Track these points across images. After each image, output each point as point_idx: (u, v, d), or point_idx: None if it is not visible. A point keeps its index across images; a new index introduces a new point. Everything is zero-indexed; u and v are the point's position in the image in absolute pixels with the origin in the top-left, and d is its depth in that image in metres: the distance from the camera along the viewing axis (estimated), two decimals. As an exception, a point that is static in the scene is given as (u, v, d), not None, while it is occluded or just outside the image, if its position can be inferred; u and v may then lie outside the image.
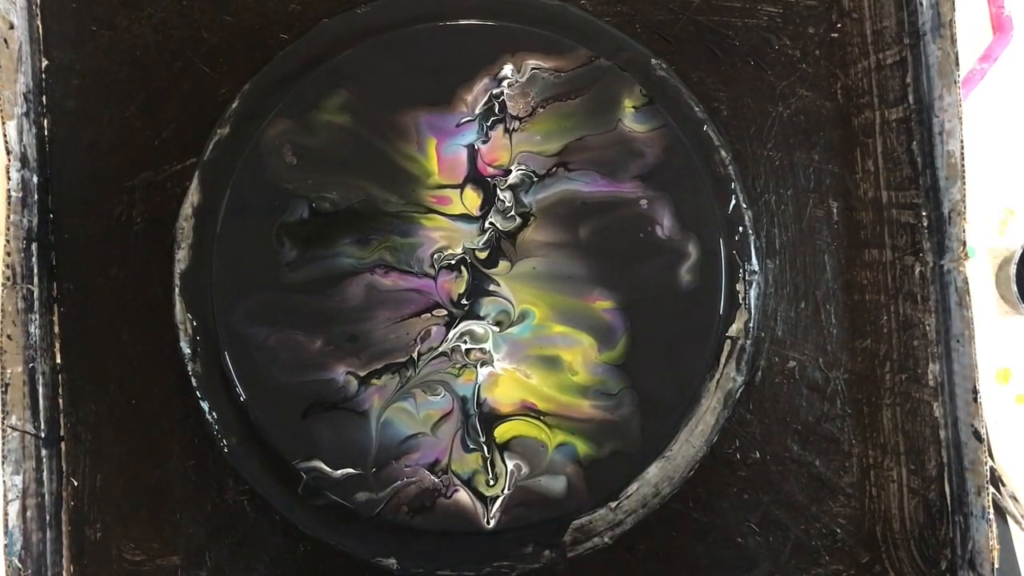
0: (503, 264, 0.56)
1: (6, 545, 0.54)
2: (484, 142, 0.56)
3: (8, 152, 0.56)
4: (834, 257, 0.60)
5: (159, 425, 0.57)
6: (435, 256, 0.56)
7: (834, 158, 0.60)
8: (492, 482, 0.55)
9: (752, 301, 0.57)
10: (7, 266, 0.55)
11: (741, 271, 0.57)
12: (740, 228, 0.58)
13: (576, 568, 0.57)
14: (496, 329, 0.56)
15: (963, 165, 0.56)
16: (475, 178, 0.57)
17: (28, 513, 0.55)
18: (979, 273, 0.63)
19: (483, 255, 0.56)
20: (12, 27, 0.58)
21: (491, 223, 0.56)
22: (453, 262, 0.56)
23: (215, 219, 0.56)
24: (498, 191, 0.56)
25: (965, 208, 0.56)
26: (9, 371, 0.55)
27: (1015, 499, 0.62)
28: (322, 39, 0.58)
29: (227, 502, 0.57)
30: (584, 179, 0.57)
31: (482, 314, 0.56)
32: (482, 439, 0.55)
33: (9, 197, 0.56)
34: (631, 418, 0.56)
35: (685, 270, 0.57)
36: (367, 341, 0.55)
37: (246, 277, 0.56)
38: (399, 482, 0.55)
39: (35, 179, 0.58)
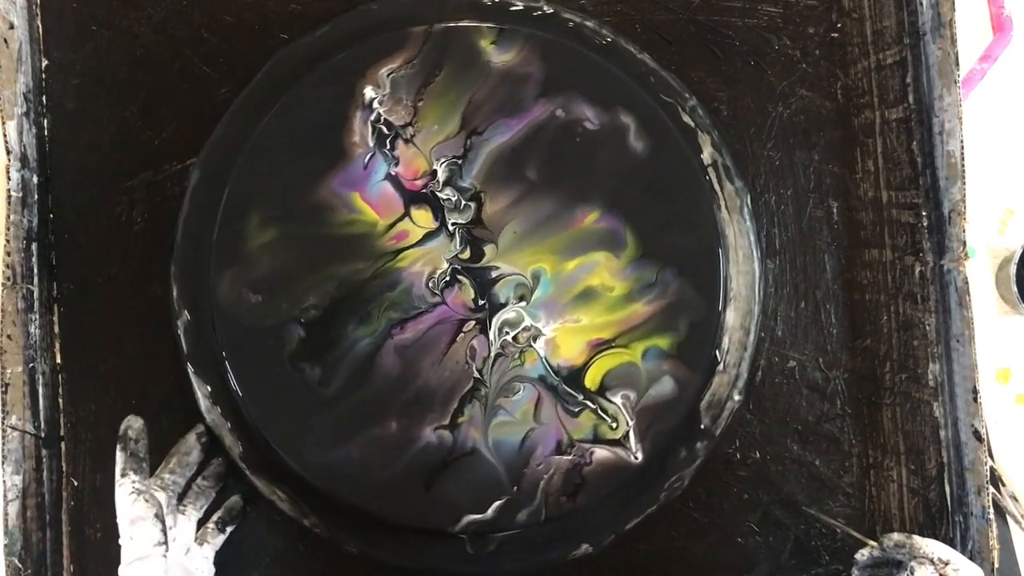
0: (488, 248, 0.56)
1: (6, 545, 0.54)
2: (396, 164, 0.56)
3: (8, 152, 0.56)
4: (834, 257, 0.60)
5: (159, 425, 0.57)
6: (430, 284, 0.55)
7: (834, 158, 0.60)
8: (614, 425, 0.55)
9: (705, 123, 0.58)
10: (7, 266, 0.55)
11: (678, 106, 0.57)
12: (650, 77, 0.58)
13: (576, 568, 0.57)
14: (523, 304, 0.56)
15: (963, 165, 0.56)
16: (412, 199, 0.56)
17: (28, 513, 0.55)
18: (979, 273, 0.63)
19: (466, 255, 0.56)
20: (12, 27, 0.58)
21: (453, 223, 0.56)
22: (448, 278, 0.56)
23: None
24: (437, 194, 0.56)
25: (965, 208, 0.56)
26: (9, 371, 0.55)
27: (1015, 499, 0.62)
28: (209, 166, 0.57)
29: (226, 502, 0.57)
30: (497, 131, 0.56)
31: (503, 300, 0.56)
32: (580, 397, 0.55)
33: (9, 197, 0.56)
34: (682, 288, 0.56)
35: (634, 139, 0.56)
36: (430, 392, 0.55)
37: (296, 422, 0.55)
38: (542, 481, 0.55)
39: (35, 179, 0.58)
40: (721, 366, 0.56)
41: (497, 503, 0.54)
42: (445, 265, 0.56)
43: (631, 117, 0.56)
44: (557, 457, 0.55)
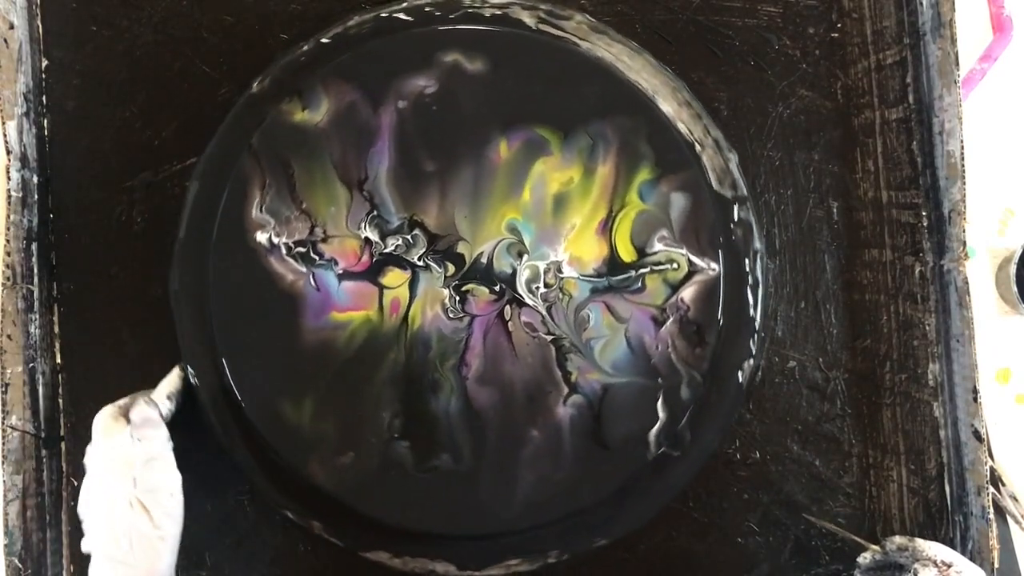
0: (461, 247, 0.55)
1: (6, 545, 0.54)
2: (335, 263, 0.54)
3: (8, 152, 0.56)
4: (834, 257, 0.60)
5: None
6: (451, 315, 0.54)
7: (834, 158, 0.60)
8: (675, 265, 0.55)
9: None
10: (7, 266, 0.55)
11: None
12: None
13: (576, 568, 0.57)
14: (526, 257, 0.55)
15: (963, 165, 0.56)
16: (372, 272, 0.54)
17: (28, 513, 0.55)
18: (979, 273, 0.63)
19: (451, 269, 0.55)
20: (12, 27, 0.58)
21: (418, 258, 0.55)
22: (457, 297, 0.55)
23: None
24: (385, 252, 0.54)
25: (965, 208, 0.56)
26: (9, 371, 0.55)
27: (1015, 499, 0.62)
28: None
29: (227, 502, 0.57)
30: (374, 162, 0.55)
31: (510, 270, 0.55)
32: (632, 274, 0.55)
33: (9, 197, 0.56)
34: (615, 122, 0.55)
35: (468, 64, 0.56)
36: (534, 384, 0.54)
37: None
38: (671, 354, 0.55)
39: (35, 179, 0.58)
40: (699, 148, 0.56)
41: (659, 403, 0.54)
42: (445, 292, 0.55)
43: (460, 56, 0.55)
44: (663, 329, 0.54)
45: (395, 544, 0.55)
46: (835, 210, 0.60)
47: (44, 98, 0.59)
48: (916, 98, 0.59)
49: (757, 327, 0.57)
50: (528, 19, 0.56)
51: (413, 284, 0.55)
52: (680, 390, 0.54)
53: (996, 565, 0.54)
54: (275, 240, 0.54)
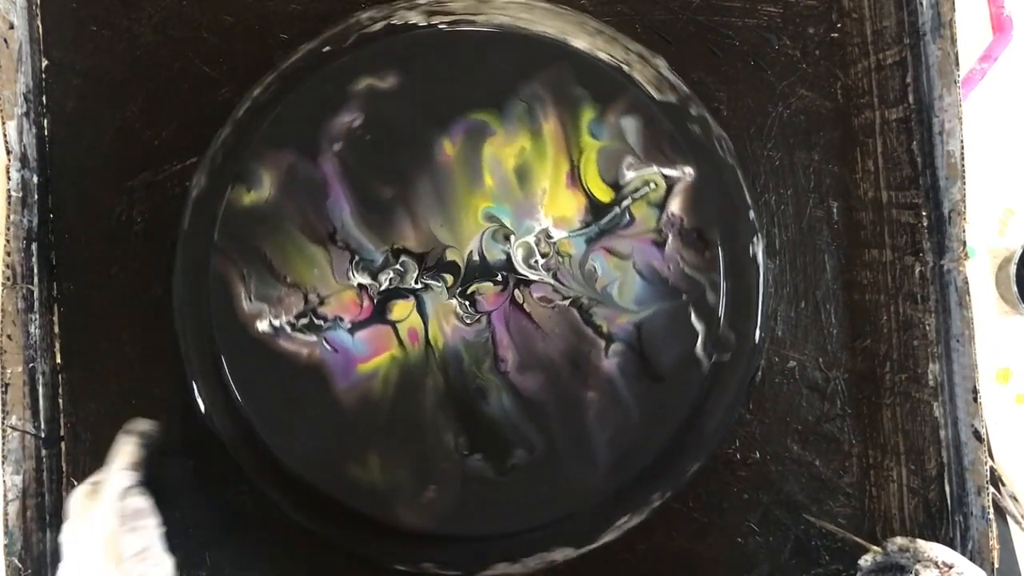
0: (450, 254, 0.54)
1: (6, 545, 0.54)
2: (340, 320, 0.53)
3: (8, 152, 0.56)
4: (834, 257, 0.60)
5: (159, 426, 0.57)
6: (467, 322, 0.54)
7: (834, 158, 0.60)
8: (653, 184, 0.54)
9: None
10: (7, 266, 0.55)
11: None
12: None
13: (576, 568, 0.57)
14: (513, 238, 0.54)
15: (963, 165, 0.56)
16: (377, 316, 0.54)
17: (28, 513, 0.55)
18: (979, 273, 0.63)
19: (449, 280, 0.54)
20: (12, 27, 0.58)
21: (417, 282, 0.54)
22: (467, 303, 0.54)
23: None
24: (382, 290, 0.54)
25: (965, 208, 0.56)
26: (9, 371, 0.55)
27: (1015, 499, 0.62)
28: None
29: (227, 502, 0.57)
30: (335, 210, 0.54)
31: (505, 256, 0.54)
32: (616, 211, 0.54)
33: (9, 197, 0.56)
34: (540, 75, 0.54)
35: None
36: (571, 353, 0.54)
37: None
38: (684, 268, 0.55)
39: (35, 179, 0.58)
40: (626, 68, 0.55)
41: (692, 318, 0.54)
42: (453, 302, 0.54)
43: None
44: (667, 248, 0.54)
45: (512, 551, 0.55)
46: (835, 210, 0.60)
47: (44, 98, 0.59)
48: (916, 98, 0.59)
49: (749, 203, 0.56)
50: (417, 18, 0.56)
51: (421, 308, 0.54)
52: (707, 297, 0.54)
53: (996, 565, 0.54)
54: (276, 323, 0.54)
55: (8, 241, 0.56)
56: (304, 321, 0.53)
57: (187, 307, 0.55)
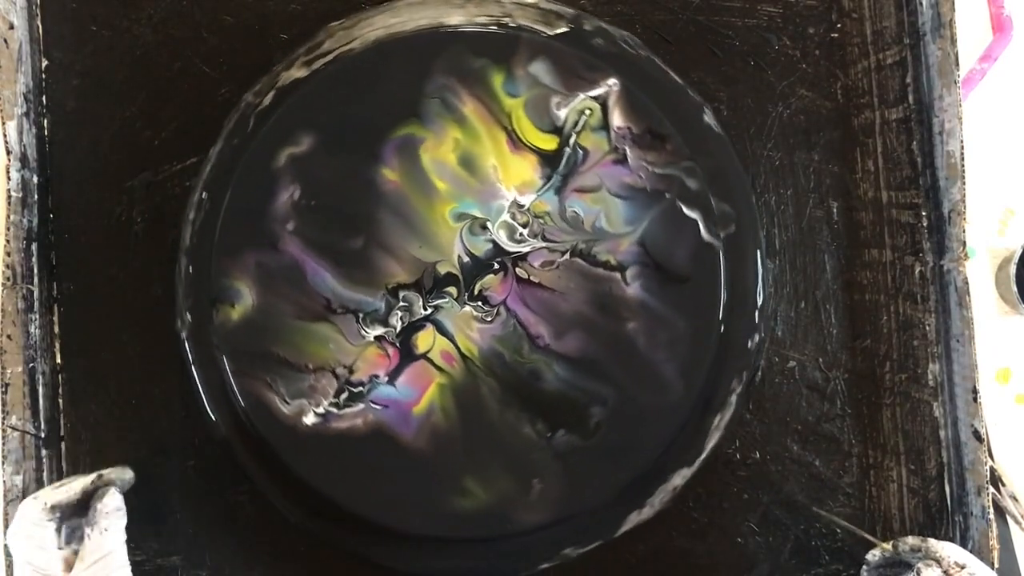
0: (441, 269, 0.54)
1: (6, 545, 0.54)
2: (379, 378, 0.54)
3: (8, 152, 0.56)
4: (834, 257, 0.60)
5: (159, 425, 0.57)
6: (488, 319, 0.54)
7: (834, 158, 0.60)
8: (587, 111, 0.55)
9: None
10: (7, 266, 0.55)
11: None
12: None
13: (576, 568, 0.57)
14: (491, 225, 0.54)
15: (963, 165, 0.56)
16: (409, 353, 0.54)
17: (28, 513, 0.55)
18: (979, 273, 0.63)
19: (453, 290, 0.54)
20: (12, 27, 0.58)
21: (426, 309, 0.54)
22: (481, 303, 0.54)
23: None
24: (399, 330, 0.54)
25: (965, 208, 0.56)
26: (9, 371, 0.55)
27: (1015, 499, 0.62)
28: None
29: (227, 502, 0.57)
30: (317, 280, 0.54)
31: (489, 247, 0.54)
32: (568, 152, 0.55)
33: (9, 197, 0.56)
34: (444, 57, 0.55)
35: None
36: (603, 297, 0.55)
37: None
38: (656, 165, 0.55)
39: (35, 179, 0.58)
40: (508, 20, 0.56)
41: (685, 210, 0.54)
42: (468, 309, 0.54)
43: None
44: (630, 161, 0.55)
45: (637, 498, 0.56)
46: (835, 210, 0.60)
47: (44, 98, 0.59)
48: (916, 98, 0.59)
49: (682, 83, 0.57)
50: (300, 72, 0.56)
51: (441, 329, 0.54)
52: (688, 185, 0.54)
53: (996, 565, 0.54)
54: (320, 410, 0.53)
55: (8, 241, 0.56)
56: (344, 396, 0.54)
57: (226, 423, 0.55)
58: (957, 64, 0.56)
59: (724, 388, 0.56)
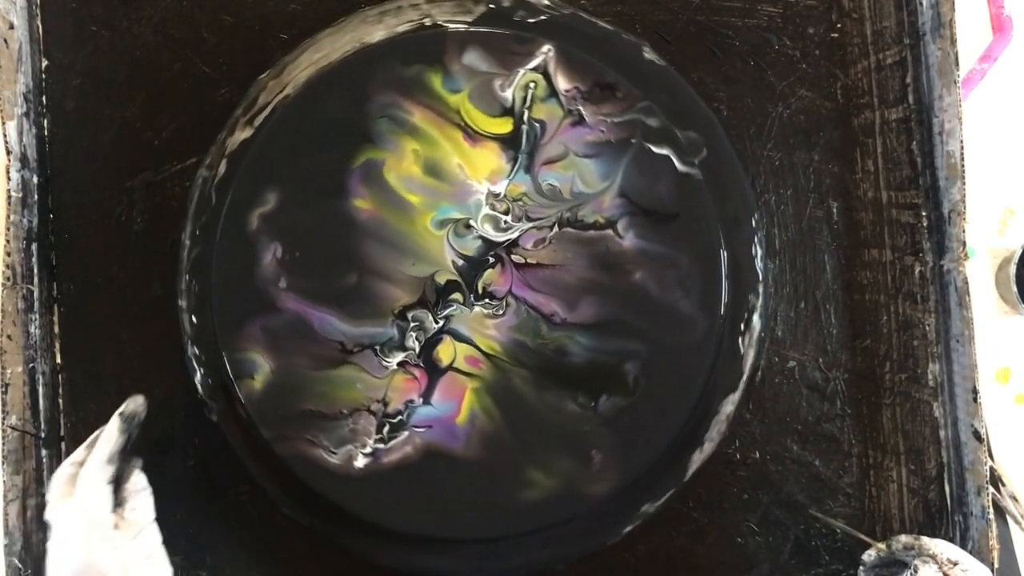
0: (439, 278, 0.54)
1: (6, 545, 0.54)
2: (399, 413, 0.54)
3: (8, 152, 0.56)
4: (834, 257, 0.60)
5: (159, 425, 0.57)
6: (497, 312, 0.54)
7: (834, 158, 0.60)
8: (533, 85, 0.55)
9: None
10: (7, 266, 0.55)
11: None
12: None
13: (576, 568, 0.57)
14: (474, 224, 0.55)
15: (963, 165, 0.56)
16: (434, 379, 0.54)
17: (28, 513, 0.55)
18: (979, 273, 0.63)
19: (459, 298, 0.54)
20: (12, 27, 0.58)
21: (435, 333, 0.54)
22: (484, 300, 0.54)
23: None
24: (408, 359, 0.54)
25: (965, 208, 0.56)
26: (9, 371, 0.55)
27: (1015, 499, 0.62)
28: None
29: (227, 502, 0.57)
30: (312, 328, 0.54)
31: (480, 244, 0.54)
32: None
33: (9, 197, 0.56)
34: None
35: None
36: (604, 255, 0.55)
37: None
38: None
39: (35, 179, 0.58)
40: (424, 19, 0.56)
41: (655, 150, 0.55)
42: (477, 309, 0.54)
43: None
44: (587, 119, 0.55)
45: (696, 435, 0.56)
46: (835, 210, 0.60)
47: (44, 98, 0.59)
48: (916, 98, 0.59)
49: (613, 28, 0.57)
50: (244, 133, 0.55)
51: (459, 337, 0.54)
52: (650, 124, 0.55)
53: (996, 565, 0.54)
54: (368, 450, 0.54)
55: (8, 241, 0.56)
56: (386, 429, 0.54)
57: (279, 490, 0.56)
58: (957, 64, 0.56)
59: (745, 307, 0.56)
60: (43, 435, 0.57)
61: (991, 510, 0.55)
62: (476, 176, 0.55)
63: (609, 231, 0.54)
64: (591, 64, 0.55)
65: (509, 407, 0.54)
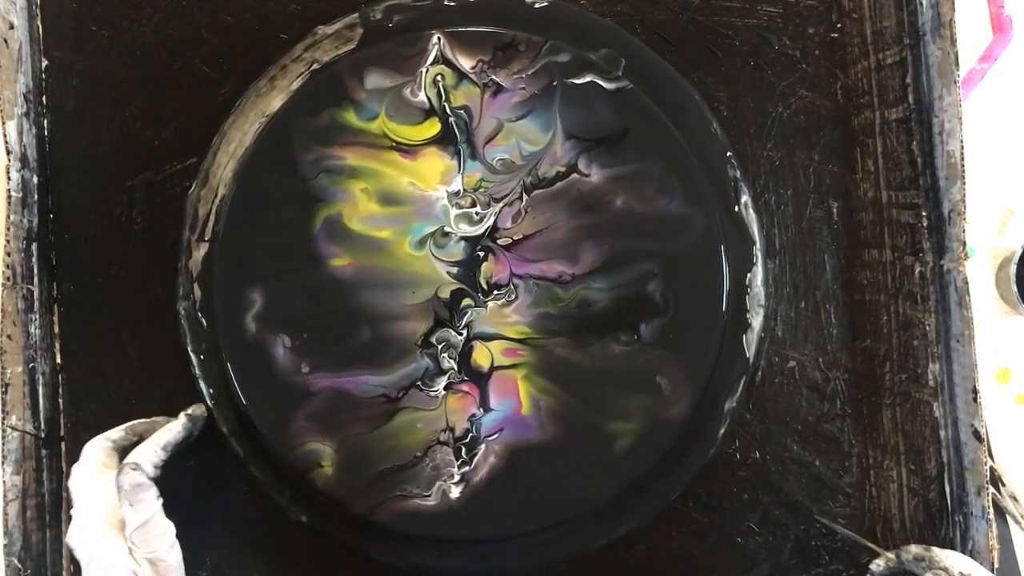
0: (442, 294, 0.55)
1: (6, 545, 0.54)
2: (461, 442, 0.54)
3: (8, 152, 0.56)
4: (834, 257, 0.60)
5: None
6: (508, 298, 0.55)
7: (834, 158, 0.60)
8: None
9: None
10: (7, 266, 0.55)
11: None
12: None
13: (576, 568, 0.57)
14: (453, 223, 0.55)
15: (963, 165, 0.56)
16: (480, 387, 0.55)
17: (28, 513, 0.55)
18: (979, 273, 0.63)
19: (470, 302, 0.55)
20: (12, 27, 0.58)
21: (462, 343, 0.55)
22: (494, 292, 0.55)
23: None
24: (450, 380, 0.55)
25: (965, 208, 0.56)
26: (9, 371, 0.55)
27: (1015, 499, 0.62)
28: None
29: (227, 502, 0.57)
30: (333, 380, 0.55)
31: (466, 246, 0.55)
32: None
33: (9, 197, 0.56)
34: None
35: None
36: (590, 213, 0.56)
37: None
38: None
39: (35, 179, 0.58)
40: (316, 64, 0.56)
41: (582, 80, 0.56)
42: (491, 305, 0.55)
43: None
44: (503, 88, 0.55)
45: (740, 314, 0.57)
46: (835, 210, 0.60)
47: (44, 98, 0.59)
48: (916, 98, 0.59)
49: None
50: (201, 250, 0.56)
51: (487, 337, 0.55)
52: (561, 61, 0.55)
53: (996, 565, 0.54)
54: (457, 478, 0.54)
55: (8, 241, 0.56)
56: (464, 452, 0.54)
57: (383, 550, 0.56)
58: (957, 64, 0.56)
59: (730, 184, 0.57)
60: (43, 435, 0.57)
61: (991, 510, 0.55)
62: (430, 185, 0.55)
63: (574, 175, 0.55)
64: (480, 34, 0.55)
65: (563, 378, 0.54)
